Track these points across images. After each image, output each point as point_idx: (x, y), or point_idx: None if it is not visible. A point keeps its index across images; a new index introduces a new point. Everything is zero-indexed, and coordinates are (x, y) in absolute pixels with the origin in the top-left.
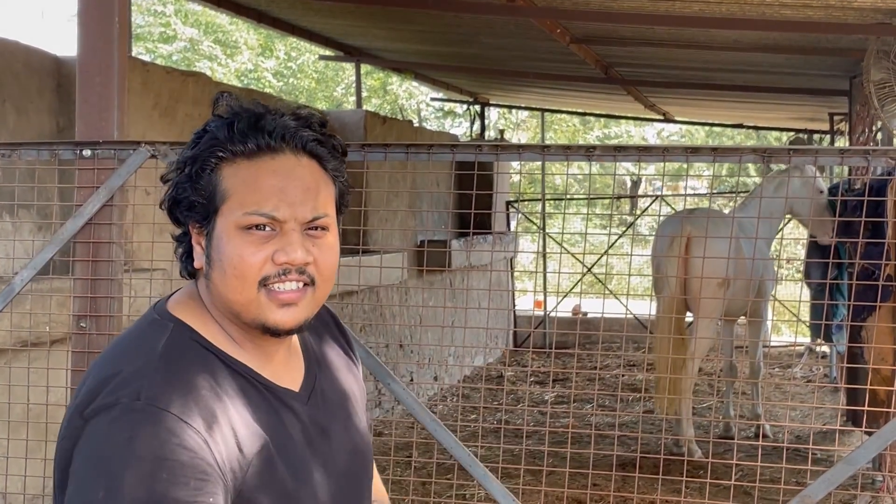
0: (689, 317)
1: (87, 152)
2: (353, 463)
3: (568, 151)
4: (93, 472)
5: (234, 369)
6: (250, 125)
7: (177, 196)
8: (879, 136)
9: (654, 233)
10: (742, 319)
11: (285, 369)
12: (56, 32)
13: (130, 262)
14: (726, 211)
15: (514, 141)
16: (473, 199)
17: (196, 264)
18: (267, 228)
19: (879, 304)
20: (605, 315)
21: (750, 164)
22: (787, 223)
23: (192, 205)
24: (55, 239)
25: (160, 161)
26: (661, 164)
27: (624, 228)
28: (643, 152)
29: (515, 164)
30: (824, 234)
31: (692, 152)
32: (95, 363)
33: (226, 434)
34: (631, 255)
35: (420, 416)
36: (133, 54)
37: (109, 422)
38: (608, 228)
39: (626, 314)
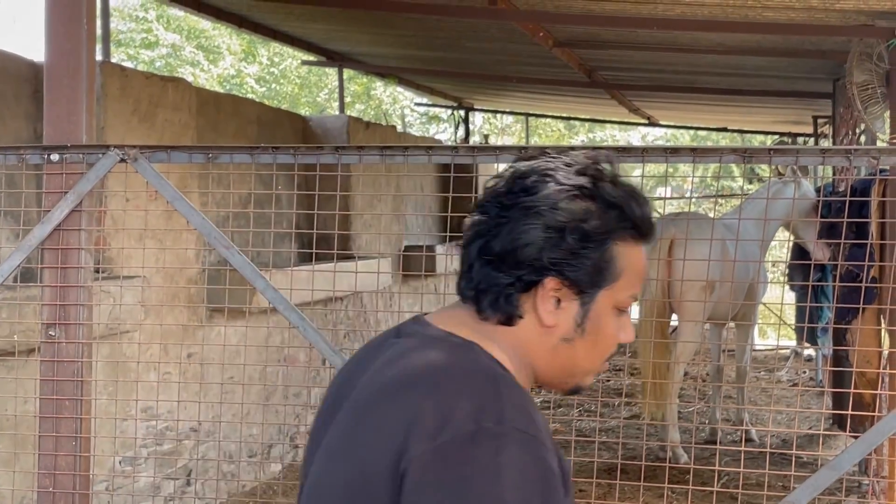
0: (674, 320)
1: (55, 157)
2: None
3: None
4: (461, 499)
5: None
6: (649, 210)
7: (570, 254)
8: (863, 138)
9: None
10: (732, 323)
11: None
12: (29, 39)
13: (109, 270)
14: (713, 215)
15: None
16: (450, 202)
17: (549, 321)
18: None
19: (864, 307)
20: None
21: (734, 168)
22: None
23: (580, 267)
24: (22, 246)
25: (130, 164)
26: (647, 168)
27: None
28: (621, 153)
29: (501, 168)
30: (819, 250)
31: (672, 153)
32: (415, 391)
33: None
34: None
35: None
36: (115, 60)
37: (477, 446)
38: None
39: None
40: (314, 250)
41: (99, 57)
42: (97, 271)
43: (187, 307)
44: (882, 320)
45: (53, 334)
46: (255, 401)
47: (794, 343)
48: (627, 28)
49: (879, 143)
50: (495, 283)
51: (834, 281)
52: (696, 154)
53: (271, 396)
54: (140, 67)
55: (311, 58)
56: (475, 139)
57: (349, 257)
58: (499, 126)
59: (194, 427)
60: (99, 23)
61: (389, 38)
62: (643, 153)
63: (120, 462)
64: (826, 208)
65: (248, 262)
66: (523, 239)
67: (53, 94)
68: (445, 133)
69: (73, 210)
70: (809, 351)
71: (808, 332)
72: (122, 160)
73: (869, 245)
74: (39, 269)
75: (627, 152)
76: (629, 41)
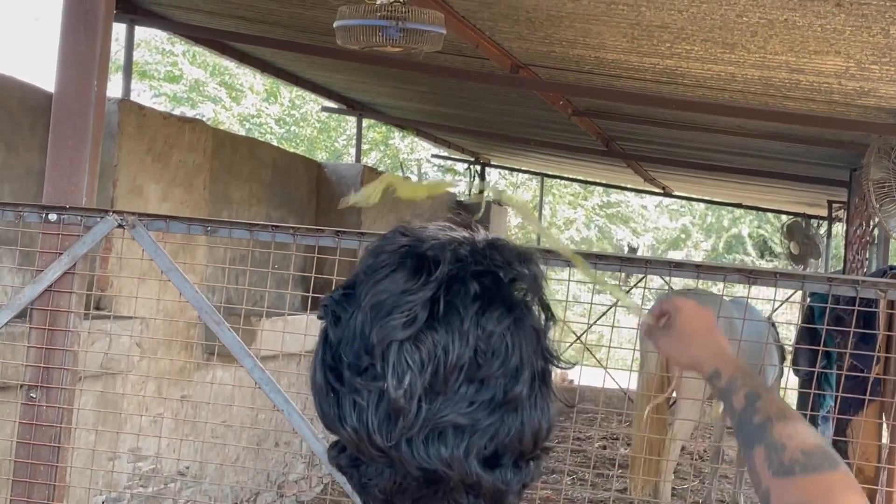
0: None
1: (52, 217)
2: None
3: (548, 255)
4: None
5: None
6: None
7: None
8: (876, 231)
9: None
10: None
11: None
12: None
13: (109, 308)
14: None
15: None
16: None
17: None
18: None
19: (867, 401)
20: (588, 385)
21: (747, 240)
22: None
23: None
24: (12, 304)
25: (128, 231)
26: (659, 233)
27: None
28: (625, 263)
29: (513, 221)
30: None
31: (676, 267)
32: None
33: None
34: (613, 326)
35: None
36: (136, 91)
37: None
38: (592, 297)
39: (607, 385)
40: (308, 313)
41: (119, 93)
42: (98, 308)
43: (185, 348)
44: (884, 416)
45: (34, 396)
46: (246, 447)
47: None
48: (647, 106)
49: (893, 242)
50: None
51: (839, 370)
52: (701, 271)
53: (262, 443)
54: (162, 100)
55: (332, 105)
56: (489, 194)
57: None
58: (514, 182)
59: (182, 471)
60: (122, 55)
61: (410, 93)
62: (647, 264)
63: (103, 502)
64: (833, 300)
65: (237, 340)
66: None
67: (56, 154)
68: (461, 185)
69: (66, 272)
70: None
71: (809, 418)
72: (120, 226)
73: (875, 340)
74: (28, 329)
75: (631, 262)
76: (649, 116)
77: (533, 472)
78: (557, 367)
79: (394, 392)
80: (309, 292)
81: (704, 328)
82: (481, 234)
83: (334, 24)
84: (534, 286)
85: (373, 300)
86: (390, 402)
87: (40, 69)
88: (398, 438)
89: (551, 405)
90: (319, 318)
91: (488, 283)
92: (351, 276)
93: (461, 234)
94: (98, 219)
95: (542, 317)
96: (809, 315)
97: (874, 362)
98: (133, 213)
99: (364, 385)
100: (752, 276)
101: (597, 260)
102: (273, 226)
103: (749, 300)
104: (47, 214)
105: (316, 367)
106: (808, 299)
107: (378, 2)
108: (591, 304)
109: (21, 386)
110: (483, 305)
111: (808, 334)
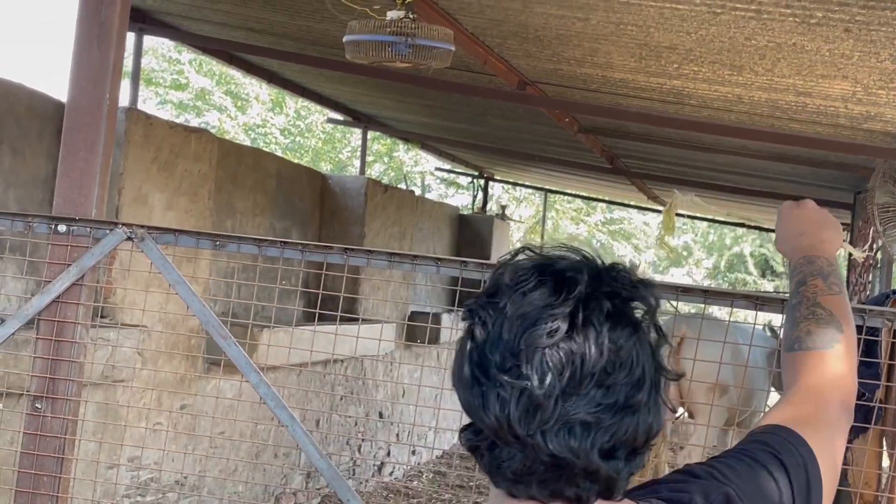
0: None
1: (62, 228)
2: None
3: None
4: None
5: None
6: None
7: None
8: (880, 255)
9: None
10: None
11: None
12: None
13: (113, 315)
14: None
15: (516, 217)
16: (457, 297)
17: None
18: None
19: (868, 427)
20: None
21: (749, 258)
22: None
23: None
24: (19, 314)
25: (136, 244)
26: (661, 250)
27: None
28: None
29: (516, 235)
30: None
31: (683, 292)
32: None
33: None
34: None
35: None
36: (142, 98)
37: None
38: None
39: None
40: (317, 322)
41: (126, 101)
42: (101, 317)
43: (186, 358)
44: (885, 444)
45: (39, 407)
46: (244, 458)
47: None
48: (653, 125)
49: None
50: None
51: None
52: (708, 296)
53: (260, 454)
54: (168, 107)
55: (338, 116)
56: (492, 207)
57: (353, 320)
58: (517, 196)
59: (180, 480)
60: (130, 62)
61: (416, 107)
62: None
63: None
64: None
65: (244, 354)
66: None
67: (67, 164)
68: (464, 197)
69: (74, 283)
70: None
71: None
72: (129, 238)
73: (878, 365)
74: (35, 340)
75: None
76: (654, 135)
77: (640, 464)
78: (667, 378)
79: (536, 390)
80: (310, 303)
81: (794, 231)
82: (598, 260)
83: (344, 39)
84: (652, 309)
85: (519, 311)
86: (531, 398)
87: (50, 74)
88: (535, 430)
89: (661, 410)
90: (464, 319)
91: (618, 303)
92: (490, 285)
93: (582, 256)
94: (107, 231)
95: (656, 335)
96: None
97: (876, 387)
98: (142, 226)
99: (509, 382)
100: (758, 302)
101: None
102: (282, 242)
103: (755, 326)
104: (56, 225)
105: (463, 361)
106: None
107: (388, 17)
108: None
109: (21, 395)
110: (614, 322)
111: None
